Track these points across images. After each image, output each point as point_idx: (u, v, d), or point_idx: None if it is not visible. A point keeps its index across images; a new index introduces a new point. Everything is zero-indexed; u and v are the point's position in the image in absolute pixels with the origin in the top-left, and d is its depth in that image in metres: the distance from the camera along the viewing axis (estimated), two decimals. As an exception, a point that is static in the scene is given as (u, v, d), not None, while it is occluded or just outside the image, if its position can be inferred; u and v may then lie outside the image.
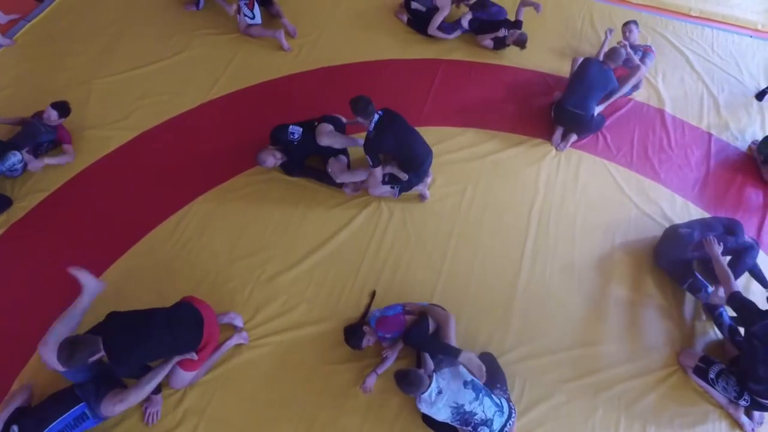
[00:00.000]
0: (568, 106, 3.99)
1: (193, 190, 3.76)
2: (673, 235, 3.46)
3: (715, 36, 5.08)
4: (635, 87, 4.48)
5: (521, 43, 4.57)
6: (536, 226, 3.75)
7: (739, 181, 4.12)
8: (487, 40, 4.67)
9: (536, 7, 4.51)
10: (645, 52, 4.45)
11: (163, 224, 3.59)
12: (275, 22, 4.76)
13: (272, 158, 3.65)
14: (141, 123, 4.09)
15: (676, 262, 3.41)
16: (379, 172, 3.49)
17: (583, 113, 3.97)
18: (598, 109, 4.15)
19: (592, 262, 3.62)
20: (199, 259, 3.45)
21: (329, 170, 3.67)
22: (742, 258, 3.24)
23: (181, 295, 2.99)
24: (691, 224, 3.44)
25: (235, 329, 3.10)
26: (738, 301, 2.88)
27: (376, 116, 3.33)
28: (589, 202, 3.90)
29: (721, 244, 3.16)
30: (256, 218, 3.66)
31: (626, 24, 4.50)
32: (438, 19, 4.55)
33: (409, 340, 2.94)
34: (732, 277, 2.97)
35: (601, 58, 4.21)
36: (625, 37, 4.43)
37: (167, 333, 2.58)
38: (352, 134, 3.89)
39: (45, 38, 4.61)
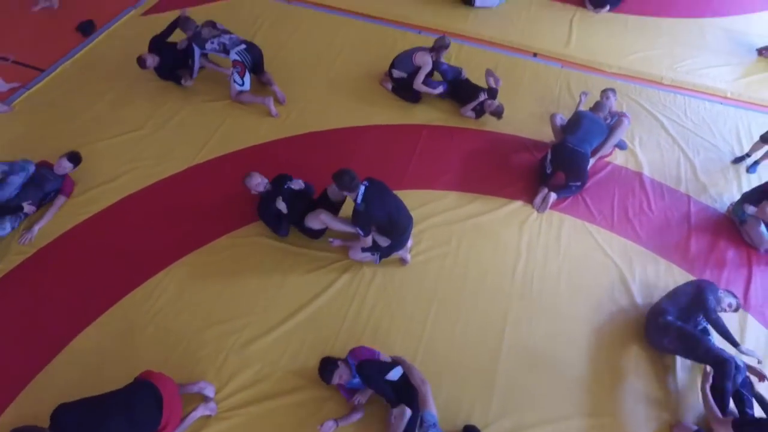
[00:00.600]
0: (569, 144, 4.12)
1: (173, 252, 3.74)
2: (652, 320, 3.41)
3: (687, 102, 5.30)
4: (621, 145, 4.62)
5: (498, 114, 4.76)
6: (519, 290, 3.71)
7: (721, 242, 4.14)
8: (469, 112, 4.85)
9: (495, 81, 4.74)
10: (620, 117, 4.62)
11: (140, 288, 3.54)
12: (266, 89, 4.96)
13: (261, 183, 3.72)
14: (128, 186, 4.15)
15: (659, 347, 3.39)
16: (369, 239, 3.50)
17: (583, 152, 4.13)
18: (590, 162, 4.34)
19: (578, 328, 3.55)
20: (173, 325, 3.37)
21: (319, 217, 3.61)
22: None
23: (150, 365, 2.89)
24: (669, 308, 3.36)
25: (204, 399, 2.96)
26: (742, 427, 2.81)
27: (362, 188, 3.31)
28: (572, 265, 3.88)
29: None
30: (234, 282, 3.62)
31: (604, 91, 4.71)
32: (421, 76, 4.77)
33: (361, 369, 2.89)
34: (717, 411, 2.92)
35: None
36: (604, 102, 4.64)
37: (123, 421, 2.46)
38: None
39: (42, 105, 4.78)
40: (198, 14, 5.48)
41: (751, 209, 4.05)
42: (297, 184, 3.83)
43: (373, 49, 5.49)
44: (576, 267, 3.87)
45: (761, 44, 5.92)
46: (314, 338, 3.36)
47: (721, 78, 5.62)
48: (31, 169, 3.79)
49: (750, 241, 4.08)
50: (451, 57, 5.47)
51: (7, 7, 5.79)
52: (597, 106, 4.53)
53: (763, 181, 4.55)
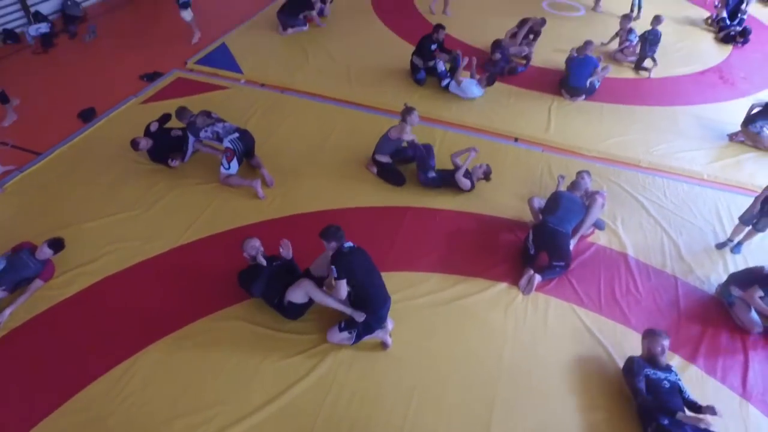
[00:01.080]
0: (549, 224, 4.19)
1: (146, 337, 3.61)
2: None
3: (666, 184, 5.43)
4: (598, 225, 4.65)
5: (487, 175, 5.02)
6: (506, 377, 3.54)
7: (713, 326, 4.03)
8: (464, 181, 4.96)
9: (472, 151, 5.02)
10: (594, 196, 4.71)
11: (107, 375, 3.37)
12: (255, 172, 5.09)
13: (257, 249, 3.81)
14: (107, 268, 4.10)
15: None
16: (343, 286, 3.43)
17: (564, 231, 4.19)
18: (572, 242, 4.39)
19: (569, 418, 3.34)
20: (138, 416, 3.17)
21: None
22: None
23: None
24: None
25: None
26: None
27: (350, 243, 3.51)
28: (560, 350, 3.75)
29: None
30: (206, 368, 3.46)
31: (579, 173, 4.85)
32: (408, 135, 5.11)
33: None
34: None
35: None
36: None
37: None
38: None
39: (34, 187, 4.87)
40: (196, 102, 5.83)
41: (737, 291, 3.99)
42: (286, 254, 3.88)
43: (361, 135, 5.72)
44: (564, 352, 3.73)
45: (731, 130, 6.21)
46: (287, 431, 3.14)
47: (696, 161, 5.82)
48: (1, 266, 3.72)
49: (741, 324, 3.98)
50: (435, 141, 5.68)
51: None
52: (573, 186, 4.66)
53: (747, 262, 4.58)
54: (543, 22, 7.62)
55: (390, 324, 3.72)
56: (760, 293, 3.86)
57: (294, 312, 3.71)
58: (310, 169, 5.28)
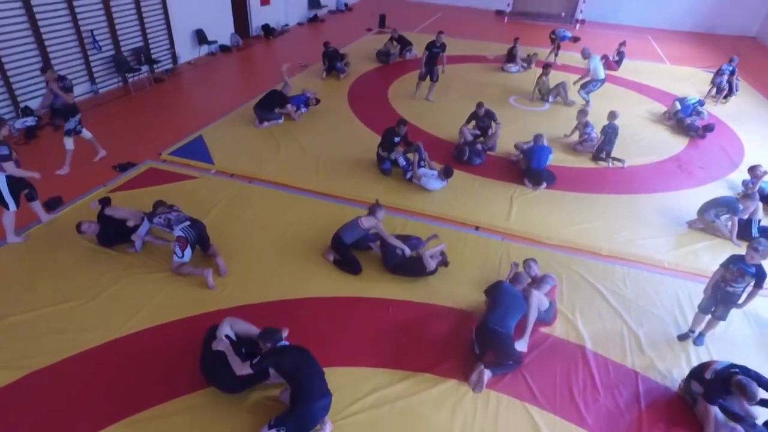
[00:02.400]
0: (489, 324, 4.04)
1: (61, 442, 3.35)
2: None
3: (626, 272, 5.40)
4: (545, 319, 4.51)
5: (445, 259, 5.10)
6: (450, 489, 3.24)
7: (677, 426, 3.78)
8: (430, 261, 4.98)
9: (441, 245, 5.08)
10: (529, 289, 4.64)
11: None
12: (210, 261, 5.06)
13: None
14: (35, 362, 3.91)
15: None
16: (246, 367, 3.48)
17: (504, 331, 4.02)
18: (521, 345, 4.20)
19: None
20: None
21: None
22: None
23: None
24: None
25: None
26: None
27: (286, 342, 3.60)
28: (511, 455, 3.47)
29: None
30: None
31: (525, 261, 4.85)
32: (384, 234, 5.13)
33: None
34: None
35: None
36: (526, 272, 4.78)
37: None
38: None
39: (-19, 276, 4.80)
40: (163, 192, 5.97)
41: (696, 386, 3.80)
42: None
43: (322, 224, 5.76)
44: (515, 458, 3.45)
45: (690, 218, 6.32)
46: None
47: (657, 249, 5.84)
48: None
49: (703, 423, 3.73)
50: (396, 229, 5.74)
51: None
52: (516, 278, 4.63)
53: (711, 354, 4.43)
54: (486, 112, 7.91)
55: (328, 426, 3.48)
56: (717, 412, 3.65)
57: (234, 385, 3.67)
58: (267, 258, 5.26)
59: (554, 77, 10.53)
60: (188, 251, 4.77)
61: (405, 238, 5.28)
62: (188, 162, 7.06)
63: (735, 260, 4.22)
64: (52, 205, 5.90)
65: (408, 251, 5.05)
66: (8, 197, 4.96)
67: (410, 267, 5.06)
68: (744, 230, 5.95)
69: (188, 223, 4.81)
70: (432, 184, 6.60)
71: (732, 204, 5.92)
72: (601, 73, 9.80)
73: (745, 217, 6.04)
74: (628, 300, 5.01)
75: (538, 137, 7.21)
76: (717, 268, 4.39)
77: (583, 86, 9.99)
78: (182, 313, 4.48)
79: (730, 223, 5.97)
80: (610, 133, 7.66)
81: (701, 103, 9.59)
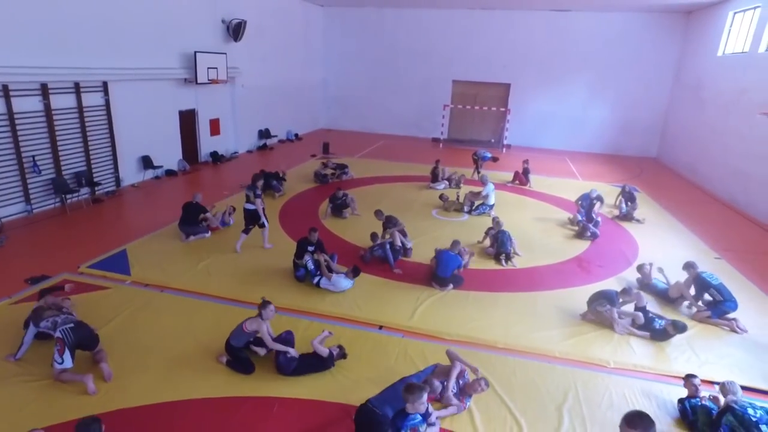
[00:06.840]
0: (369, 404, 4.11)
1: None
2: None
3: (516, 363, 5.59)
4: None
5: (342, 351, 5.31)
6: None
7: None
8: (321, 348, 5.15)
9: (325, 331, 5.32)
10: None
11: None
12: (96, 366, 4.97)
13: None
14: None
15: None
16: None
17: (382, 413, 4.03)
18: None
19: None
20: None
21: None
22: None
23: None
24: None
25: None
26: None
27: None
28: None
29: None
30: None
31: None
32: (266, 337, 5.21)
33: None
34: None
35: None
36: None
37: None
38: None
39: None
40: (77, 300, 6.00)
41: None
42: None
43: (225, 328, 5.75)
44: None
45: (581, 310, 6.75)
46: None
47: (550, 340, 6.14)
48: None
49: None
50: (299, 330, 5.86)
51: None
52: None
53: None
54: (388, 219, 8.66)
55: None
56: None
57: None
58: (160, 362, 5.23)
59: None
60: (67, 356, 4.72)
61: (280, 338, 5.35)
62: (104, 274, 7.19)
63: None
64: (-54, 318, 5.81)
65: (294, 352, 5.14)
66: None
67: (308, 365, 5.12)
68: (648, 325, 6.31)
69: (71, 325, 4.84)
70: (341, 283, 6.91)
71: (610, 296, 6.43)
72: (492, 200, 11.22)
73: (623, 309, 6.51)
74: (515, 390, 5.15)
75: (454, 243, 7.77)
76: None
77: (475, 208, 11.24)
78: (52, 421, 4.30)
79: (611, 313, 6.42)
80: (501, 239, 8.50)
81: (600, 198, 10.79)
